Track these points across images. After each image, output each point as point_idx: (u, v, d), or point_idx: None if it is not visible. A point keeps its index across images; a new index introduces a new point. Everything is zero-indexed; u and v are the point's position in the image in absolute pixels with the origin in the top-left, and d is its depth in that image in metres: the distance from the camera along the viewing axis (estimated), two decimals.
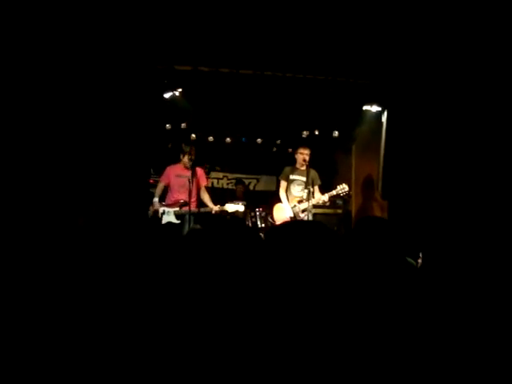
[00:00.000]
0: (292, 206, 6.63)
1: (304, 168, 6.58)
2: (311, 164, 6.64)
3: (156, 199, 6.41)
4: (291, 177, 6.72)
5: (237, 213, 6.85)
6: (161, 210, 6.40)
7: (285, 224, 2.42)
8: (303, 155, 6.56)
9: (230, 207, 6.39)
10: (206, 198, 6.45)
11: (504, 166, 5.25)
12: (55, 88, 5.04)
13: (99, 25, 5.11)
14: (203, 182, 6.53)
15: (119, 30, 5.21)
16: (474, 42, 5.23)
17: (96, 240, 2.84)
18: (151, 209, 6.42)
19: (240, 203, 6.77)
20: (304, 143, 6.93)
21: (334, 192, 6.47)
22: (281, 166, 7.11)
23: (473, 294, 2.06)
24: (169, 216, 6.35)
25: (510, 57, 5.04)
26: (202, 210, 6.29)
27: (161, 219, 6.39)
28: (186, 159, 6.25)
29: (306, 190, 6.37)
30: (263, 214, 7.36)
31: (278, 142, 8.14)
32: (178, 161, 6.47)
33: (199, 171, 6.41)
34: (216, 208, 6.30)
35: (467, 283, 2.17)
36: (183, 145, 6.45)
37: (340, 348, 1.69)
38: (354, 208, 7.97)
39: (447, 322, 1.86)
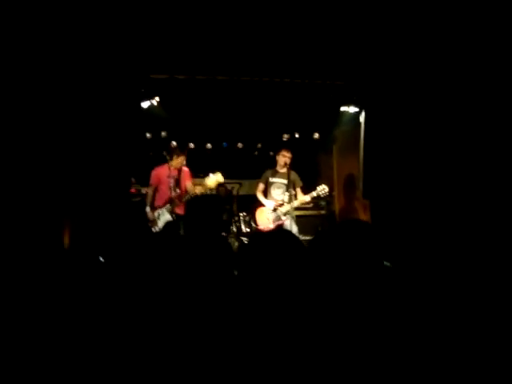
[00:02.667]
0: (273, 209, 6.65)
1: (284, 170, 6.59)
2: (293, 166, 6.67)
3: (148, 208, 6.44)
4: (271, 179, 6.72)
5: (220, 187, 7.09)
6: (155, 213, 6.43)
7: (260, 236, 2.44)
8: (285, 158, 6.56)
9: (210, 181, 6.27)
10: (192, 187, 6.40)
11: (483, 163, 5.33)
12: (30, 100, 5.01)
13: (74, 37, 5.09)
14: (189, 180, 6.58)
15: (94, 41, 5.19)
16: (451, 41, 5.30)
17: (82, 252, 2.85)
18: (149, 217, 6.42)
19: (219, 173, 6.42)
20: (285, 146, 6.96)
21: (314, 193, 6.46)
22: (262, 170, 7.17)
23: (455, 293, 2.08)
24: (164, 216, 6.39)
25: (487, 56, 5.12)
26: (186, 197, 6.25)
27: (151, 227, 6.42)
28: (180, 160, 6.39)
29: (287, 193, 6.40)
30: (247, 218, 7.36)
31: (259, 145, 8.15)
32: (162, 164, 6.57)
33: (186, 170, 6.57)
34: (198, 189, 6.20)
35: (448, 281, 2.20)
36: (176, 148, 6.60)
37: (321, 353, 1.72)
38: (337, 208, 8.02)
39: (428, 323, 1.88)
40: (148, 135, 7.35)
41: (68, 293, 2.13)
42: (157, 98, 6.20)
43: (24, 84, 4.85)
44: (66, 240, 5.62)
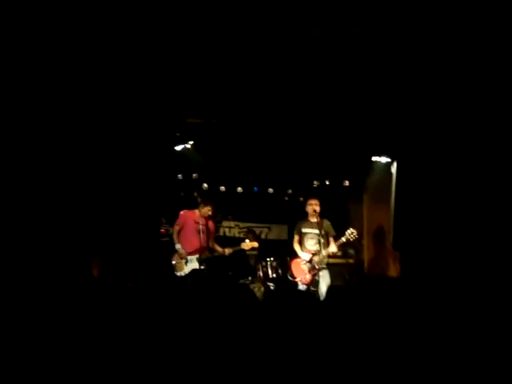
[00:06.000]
0: (308, 260, 6.46)
1: (315, 220, 6.43)
2: (323, 214, 6.61)
3: (179, 246, 6.49)
4: (303, 230, 6.57)
5: (253, 250, 7.19)
6: (183, 259, 6.50)
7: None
8: (312, 206, 6.47)
9: (246, 245, 6.83)
10: (215, 245, 6.75)
11: None
12: (69, 142, 5.20)
13: (112, 79, 5.30)
14: (214, 232, 6.88)
15: (131, 85, 5.39)
16: (479, 94, 5.29)
17: (110, 289, 2.89)
18: (177, 257, 6.49)
19: (256, 242, 7.03)
20: (315, 193, 6.95)
21: (343, 239, 6.30)
22: (292, 216, 7.19)
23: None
24: (192, 263, 6.46)
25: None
26: (217, 253, 6.65)
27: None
28: (206, 210, 6.52)
29: (319, 242, 6.28)
30: (274, 263, 7.28)
31: (290, 191, 8.18)
32: (192, 208, 6.70)
33: (211, 222, 6.74)
34: (228, 250, 6.67)
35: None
36: (202, 199, 6.70)
37: None
38: (366, 258, 7.90)
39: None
40: (179, 176, 7.48)
41: (93, 319, 2.18)
42: (191, 142, 6.34)
43: (65, 129, 5.06)
44: (96, 274, 5.70)
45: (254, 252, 7.61)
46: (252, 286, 6.97)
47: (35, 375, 1.79)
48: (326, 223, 6.50)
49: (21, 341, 1.93)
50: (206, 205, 6.54)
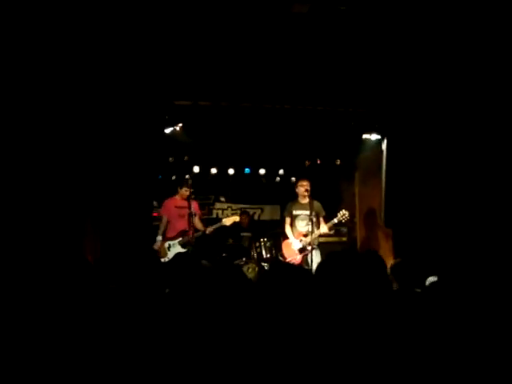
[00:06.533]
0: (299, 240, 6.61)
1: (306, 201, 6.50)
2: (314, 193, 6.64)
3: (160, 237, 6.56)
4: (294, 212, 6.68)
5: (235, 223, 7.10)
6: (166, 244, 6.56)
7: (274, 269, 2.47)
8: (304, 187, 6.54)
9: (227, 220, 6.81)
10: (199, 224, 6.68)
11: (505, 192, 5.25)
12: (57, 124, 5.15)
13: (99, 63, 5.24)
14: (198, 212, 6.82)
15: (119, 68, 5.33)
16: (469, 70, 5.29)
17: (102, 273, 2.89)
18: (155, 247, 6.51)
19: (236, 216, 7.09)
20: (306, 173, 6.97)
21: (335, 220, 6.47)
22: (284, 196, 7.19)
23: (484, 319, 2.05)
24: (175, 248, 6.50)
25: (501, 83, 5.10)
26: (197, 234, 6.45)
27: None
28: (183, 191, 6.50)
29: (310, 224, 6.32)
30: (268, 244, 7.35)
31: (281, 172, 8.17)
32: (175, 193, 6.69)
33: (195, 203, 6.70)
34: (209, 229, 6.61)
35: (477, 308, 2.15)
36: (179, 181, 6.71)
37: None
38: (358, 235, 7.94)
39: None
40: (170, 159, 7.45)
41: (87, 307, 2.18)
42: (180, 124, 6.29)
43: (53, 113, 5.00)
44: (89, 258, 5.69)
45: (248, 234, 7.65)
46: (246, 266, 7.01)
47: (23, 366, 1.78)
48: (316, 204, 6.58)
49: (11, 330, 1.92)
50: (182, 186, 6.54)
